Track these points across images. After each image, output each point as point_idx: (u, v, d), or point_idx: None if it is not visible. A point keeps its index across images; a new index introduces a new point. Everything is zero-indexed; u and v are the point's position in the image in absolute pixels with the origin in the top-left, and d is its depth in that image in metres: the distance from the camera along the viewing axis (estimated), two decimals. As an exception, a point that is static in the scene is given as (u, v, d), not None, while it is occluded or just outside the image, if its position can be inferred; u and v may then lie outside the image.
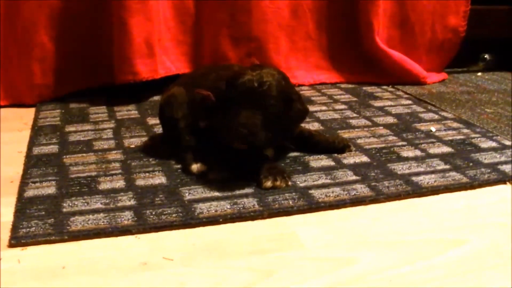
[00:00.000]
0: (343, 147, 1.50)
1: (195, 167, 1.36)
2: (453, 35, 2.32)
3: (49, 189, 1.28)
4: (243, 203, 1.20)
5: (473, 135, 1.64)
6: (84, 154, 1.49)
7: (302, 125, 1.48)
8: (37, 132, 1.67)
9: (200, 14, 2.09)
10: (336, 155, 1.48)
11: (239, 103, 1.26)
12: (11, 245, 1.05)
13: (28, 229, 1.10)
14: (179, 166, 1.39)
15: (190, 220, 1.13)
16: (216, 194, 1.25)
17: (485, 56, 2.53)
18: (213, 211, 1.17)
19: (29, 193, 1.26)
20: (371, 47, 2.25)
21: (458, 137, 1.62)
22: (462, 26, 2.31)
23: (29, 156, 1.48)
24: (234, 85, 1.28)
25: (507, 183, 1.35)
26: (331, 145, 1.50)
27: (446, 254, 1.04)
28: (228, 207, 1.19)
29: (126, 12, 1.87)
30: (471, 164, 1.43)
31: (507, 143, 1.57)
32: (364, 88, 2.21)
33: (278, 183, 1.28)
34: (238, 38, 2.11)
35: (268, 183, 1.27)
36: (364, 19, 2.23)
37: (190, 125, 1.42)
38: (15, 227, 1.10)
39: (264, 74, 1.27)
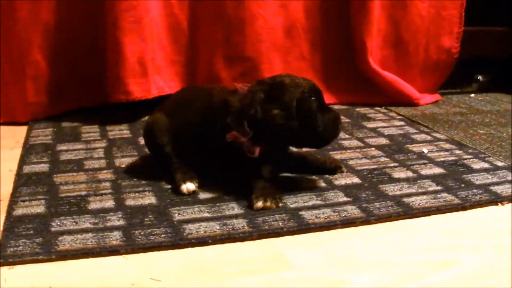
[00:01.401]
0: (334, 168, 1.49)
1: (184, 187, 1.35)
2: (447, 56, 2.32)
3: (38, 208, 1.27)
4: (232, 224, 1.20)
5: (465, 156, 1.64)
6: (74, 174, 1.48)
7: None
8: (28, 151, 1.66)
9: (194, 33, 2.10)
10: (327, 176, 1.48)
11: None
12: (-2, 264, 1.04)
13: (15, 248, 1.09)
14: (169, 186, 1.39)
15: (179, 240, 1.13)
16: (206, 214, 1.24)
17: (479, 78, 2.54)
18: (202, 231, 1.16)
19: (18, 211, 1.25)
20: (364, 68, 2.25)
21: (451, 158, 1.62)
22: (456, 47, 2.32)
23: (19, 174, 1.47)
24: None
25: (499, 204, 1.34)
26: (322, 165, 1.49)
27: (438, 276, 1.03)
28: (218, 228, 1.18)
29: (120, 32, 1.87)
30: (463, 185, 1.43)
31: (500, 164, 1.57)
32: (357, 109, 2.21)
33: (268, 204, 1.27)
34: (232, 58, 2.11)
35: (259, 204, 1.26)
36: (358, 39, 2.24)
37: (176, 148, 1.42)
38: (2, 246, 1.09)
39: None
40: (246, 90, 1.34)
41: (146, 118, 1.51)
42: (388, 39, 2.28)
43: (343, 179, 1.46)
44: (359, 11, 2.22)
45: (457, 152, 1.68)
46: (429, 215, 1.29)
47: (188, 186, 1.35)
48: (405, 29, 2.27)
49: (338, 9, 2.26)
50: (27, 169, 1.51)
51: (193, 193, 1.35)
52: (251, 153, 1.33)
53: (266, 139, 1.33)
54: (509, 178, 1.47)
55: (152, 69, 1.97)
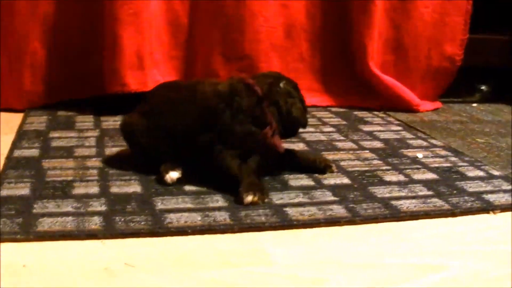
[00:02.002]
0: (324, 167, 1.48)
1: (168, 177, 1.34)
2: (449, 63, 2.30)
3: (23, 190, 1.27)
4: (214, 216, 1.19)
5: (460, 164, 1.62)
6: (63, 160, 1.48)
7: (286, 144, 1.47)
8: (20, 136, 1.67)
9: (193, 31, 2.10)
10: (317, 175, 1.46)
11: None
12: (-24, 242, 1.04)
13: (-5, 227, 1.08)
14: (155, 176, 1.38)
15: (158, 229, 1.12)
16: (189, 205, 1.23)
17: (482, 87, 2.52)
18: (183, 222, 1.15)
19: (3, 192, 1.25)
20: (363, 72, 2.24)
21: (445, 165, 1.60)
22: (459, 55, 2.29)
23: (9, 158, 1.48)
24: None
25: (491, 212, 1.32)
26: (312, 164, 1.48)
27: (421, 280, 1.01)
28: (199, 218, 1.17)
29: (118, 24, 1.87)
30: (455, 191, 1.41)
31: (495, 173, 1.55)
32: (355, 112, 2.20)
33: (256, 198, 1.26)
34: (230, 56, 2.10)
35: (249, 198, 1.25)
36: (358, 42, 2.23)
37: (160, 147, 1.40)
38: (-18, 224, 1.09)
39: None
40: (255, 82, 1.39)
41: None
42: (389, 44, 2.27)
43: (332, 179, 1.44)
44: (361, 14, 2.20)
45: (453, 159, 1.66)
46: (417, 219, 1.27)
47: (172, 175, 1.34)
48: (407, 34, 2.26)
49: (339, 11, 2.25)
50: (17, 153, 1.52)
51: (178, 182, 1.34)
52: (279, 147, 1.36)
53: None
54: (503, 187, 1.45)
55: (150, 62, 1.97)
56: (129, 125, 1.44)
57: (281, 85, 1.39)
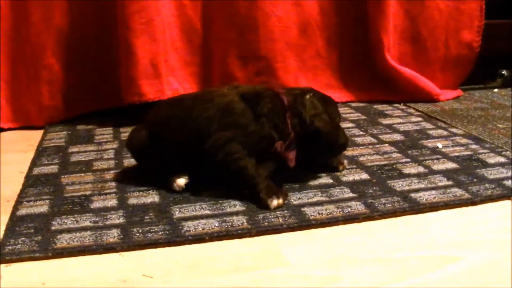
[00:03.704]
0: (336, 164, 1.48)
1: (176, 185, 1.35)
2: (468, 50, 2.28)
3: (42, 207, 1.28)
4: (232, 221, 1.19)
5: (481, 151, 1.60)
6: (82, 174, 1.49)
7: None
8: (40, 153, 1.68)
9: (207, 34, 2.09)
10: (335, 173, 1.46)
11: None
12: (-4, 262, 1.05)
13: (14, 246, 1.09)
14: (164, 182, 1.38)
15: (175, 238, 1.12)
16: (207, 212, 1.24)
17: (503, 72, 2.49)
18: (201, 229, 1.15)
19: (22, 211, 1.26)
20: (381, 65, 2.23)
21: (465, 153, 1.59)
22: (477, 42, 2.27)
23: (28, 176, 1.49)
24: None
25: (511, 198, 1.30)
26: (324, 163, 1.48)
27: (439, 271, 1.01)
28: (216, 224, 1.17)
29: (131, 33, 1.87)
30: (475, 180, 1.40)
31: (517, 158, 1.53)
32: (375, 106, 2.19)
33: (281, 201, 1.26)
34: (246, 58, 2.10)
35: (275, 202, 1.25)
36: (374, 35, 2.22)
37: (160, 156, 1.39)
38: (2, 244, 1.10)
39: None
40: (284, 93, 1.38)
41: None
42: (406, 35, 2.26)
43: (351, 175, 1.44)
44: (375, 7, 2.19)
45: (473, 146, 1.65)
46: (436, 210, 1.26)
47: (179, 182, 1.34)
48: (423, 24, 2.24)
49: (353, 5, 2.24)
50: (36, 171, 1.53)
51: (191, 190, 1.34)
52: (291, 161, 1.34)
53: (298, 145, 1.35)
54: (524, 172, 1.43)
55: (166, 70, 1.97)
56: (133, 140, 1.44)
57: (307, 96, 1.37)
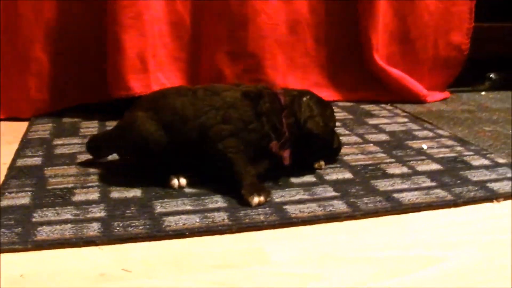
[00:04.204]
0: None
1: (176, 181, 1.34)
2: (457, 52, 2.29)
3: (24, 199, 1.27)
4: (213, 217, 1.18)
5: (465, 153, 1.61)
6: (65, 167, 1.48)
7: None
8: (24, 145, 1.67)
9: (197, 30, 2.09)
10: (319, 171, 1.46)
11: None
12: (-26, 253, 1.04)
13: (-6, 238, 1.09)
14: (157, 179, 1.37)
15: (156, 232, 1.12)
16: (188, 207, 1.23)
17: (491, 76, 2.49)
18: (181, 224, 1.15)
19: (3, 203, 1.25)
20: (370, 64, 2.23)
21: (450, 155, 1.59)
22: (466, 44, 2.28)
23: (11, 167, 1.48)
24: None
25: (494, 201, 1.31)
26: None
27: (421, 272, 1.01)
28: (197, 220, 1.17)
29: (119, 27, 1.87)
30: (458, 181, 1.40)
31: (501, 161, 1.53)
32: (362, 106, 2.19)
33: (263, 199, 1.26)
34: (235, 55, 2.09)
35: (256, 200, 1.25)
36: (363, 35, 2.22)
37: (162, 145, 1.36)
38: (-18, 236, 1.09)
39: None
40: (282, 93, 1.40)
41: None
42: (395, 35, 2.26)
43: (334, 174, 1.44)
44: (365, 6, 2.20)
45: (458, 148, 1.65)
46: (419, 211, 1.26)
47: (181, 181, 1.35)
48: (413, 25, 2.25)
49: (343, 4, 2.24)
50: (20, 162, 1.52)
51: (179, 188, 1.34)
52: (285, 159, 1.36)
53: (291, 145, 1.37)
54: (508, 175, 1.44)
55: (154, 65, 1.96)
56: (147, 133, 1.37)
57: (304, 99, 1.39)
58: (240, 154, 1.31)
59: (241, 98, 1.36)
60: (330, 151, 1.50)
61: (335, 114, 1.48)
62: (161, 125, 1.34)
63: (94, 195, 1.30)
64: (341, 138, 1.67)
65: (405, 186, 1.37)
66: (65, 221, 1.16)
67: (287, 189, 1.34)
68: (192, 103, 1.36)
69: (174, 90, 1.46)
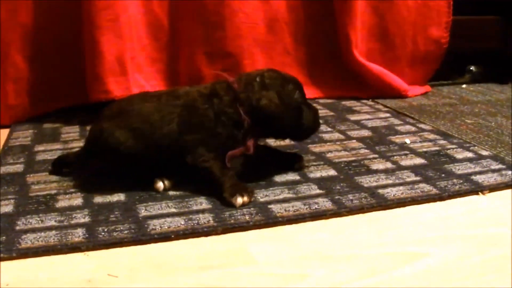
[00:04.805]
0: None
1: (161, 184, 1.33)
2: (436, 47, 2.29)
3: (7, 207, 1.26)
4: (198, 219, 1.18)
5: (449, 146, 1.61)
6: (47, 173, 1.47)
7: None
8: (6, 152, 1.66)
9: (174, 31, 2.08)
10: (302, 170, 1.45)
11: None
12: (-42, 263, 1.03)
13: (-23, 248, 1.07)
14: (140, 183, 1.36)
15: (141, 236, 1.11)
16: (173, 210, 1.23)
17: (471, 68, 2.50)
18: (166, 227, 1.14)
19: (-14, 212, 1.23)
20: (349, 61, 2.23)
21: (433, 149, 1.60)
22: (445, 38, 2.28)
23: (-8, 176, 1.46)
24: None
25: (480, 193, 1.31)
26: (284, 160, 1.48)
27: (407, 268, 1.01)
28: (182, 223, 1.16)
29: (97, 30, 1.86)
30: (443, 175, 1.40)
31: (484, 153, 1.54)
32: (343, 102, 2.19)
33: (246, 199, 1.25)
34: (213, 55, 2.09)
35: (239, 200, 1.24)
36: (342, 32, 2.22)
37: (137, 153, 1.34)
38: (-35, 246, 1.08)
39: None
40: (235, 80, 1.35)
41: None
42: (374, 32, 2.26)
43: (318, 172, 1.44)
44: (342, 3, 2.20)
45: (441, 142, 1.66)
46: (404, 206, 1.26)
47: (166, 183, 1.34)
48: (391, 21, 2.25)
49: (321, 2, 2.24)
50: (1, 170, 1.50)
51: (163, 191, 1.33)
52: (248, 149, 1.33)
53: (255, 130, 1.33)
54: (492, 167, 1.45)
55: (132, 67, 1.95)
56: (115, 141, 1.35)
57: (257, 79, 1.34)
58: (212, 161, 1.30)
59: (199, 100, 1.33)
60: (298, 129, 1.40)
61: (304, 90, 1.41)
62: (131, 132, 1.32)
63: (78, 201, 1.29)
64: (323, 135, 1.69)
65: (389, 181, 1.37)
66: (49, 228, 1.15)
67: (271, 188, 1.34)
68: (158, 109, 1.34)
69: (139, 96, 1.45)
